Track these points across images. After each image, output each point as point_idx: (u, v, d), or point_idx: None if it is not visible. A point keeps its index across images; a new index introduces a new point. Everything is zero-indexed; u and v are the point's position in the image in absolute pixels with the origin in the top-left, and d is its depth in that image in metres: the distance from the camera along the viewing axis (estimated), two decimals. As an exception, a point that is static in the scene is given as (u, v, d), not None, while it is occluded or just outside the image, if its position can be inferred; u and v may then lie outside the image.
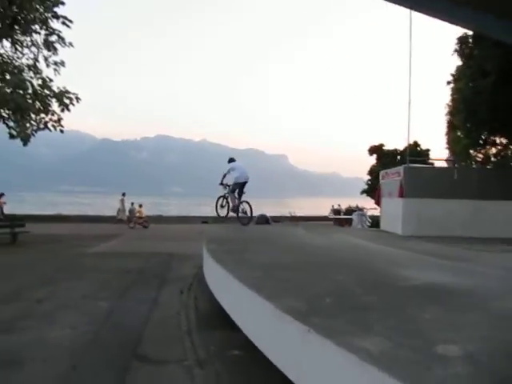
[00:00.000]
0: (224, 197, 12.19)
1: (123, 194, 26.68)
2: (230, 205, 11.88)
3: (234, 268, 4.88)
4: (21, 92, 13.88)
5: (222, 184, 12.10)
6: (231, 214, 12.00)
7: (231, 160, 12.28)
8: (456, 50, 16.84)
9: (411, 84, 13.00)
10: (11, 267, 10.42)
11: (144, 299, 7.37)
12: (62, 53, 18.23)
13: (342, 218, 20.59)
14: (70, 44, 17.61)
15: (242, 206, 11.79)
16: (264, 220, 13.91)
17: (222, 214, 12.21)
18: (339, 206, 35.33)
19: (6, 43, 16.39)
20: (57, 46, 17.12)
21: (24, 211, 25.46)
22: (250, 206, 11.80)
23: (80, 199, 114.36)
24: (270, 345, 3.40)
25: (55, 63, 17.07)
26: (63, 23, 16.28)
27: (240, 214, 11.76)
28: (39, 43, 16.69)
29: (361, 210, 20.75)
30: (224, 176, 12.00)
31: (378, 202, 17.44)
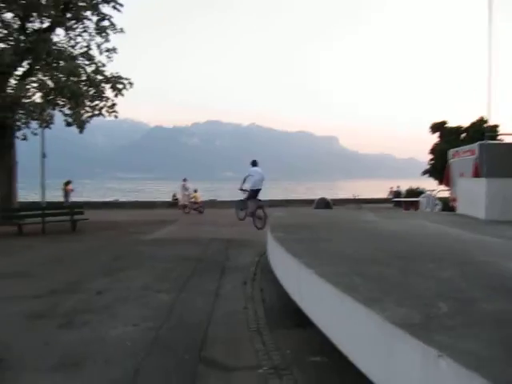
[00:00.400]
0: (243, 201, 13.38)
1: (184, 180, 26.41)
2: (249, 210, 13.06)
3: (311, 261, 4.24)
4: (75, 79, 13.81)
5: (241, 189, 13.33)
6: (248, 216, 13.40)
7: (253, 163, 13.26)
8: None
9: (481, 56, 11.66)
10: (72, 255, 10.33)
11: (205, 291, 6.91)
12: (114, 40, 18.02)
13: (408, 201, 19.37)
14: (122, 30, 17.39)
15: (257, 212, 12.86)
16: (324, 204, 13.13)
17: (240, 217, 13.61)
18: (398, 187, 33.80)
19: (60, 31, 16.40)
20: (108, 32, 16.97)
21: (82, 198, 26.01)
22: (265, 213, 12.97)
23: (134, 185, 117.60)
24: (371, 361, 2.74)
25: (107, 50, 16.90)
26: (114, 7, 16.02)
27: (256, 219, 13.03)
28: (91, 30, 16.55)
29: (430, 191, 19.37)
30: (244, 180, 13.08)
31: (446, 183, 16.20)
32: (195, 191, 23.34)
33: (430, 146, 30.24)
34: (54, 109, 15.25)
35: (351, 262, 4.38)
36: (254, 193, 12.93)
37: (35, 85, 14.67)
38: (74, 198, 23.72)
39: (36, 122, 15.29)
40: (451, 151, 16.10)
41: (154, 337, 4.92)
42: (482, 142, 13.61)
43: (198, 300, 6.44)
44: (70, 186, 23.83)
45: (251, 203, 12.80)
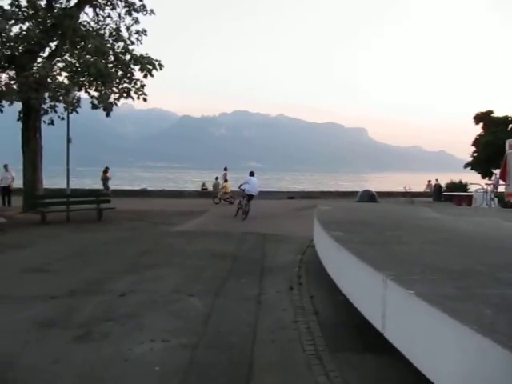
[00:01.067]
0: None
1: (225, 169, 25.51)
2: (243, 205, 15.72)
3: (398, 275, 3.16)
4: (102, 58, 12.92)
5: (240, 188, 16.48)
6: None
7: (251, 173, 16.57)
8: None
9: None
10: (95, 248, 9.48)
11: (245, 297, 5.91)
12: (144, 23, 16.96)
13: (461, 196, 17.87)
14: (152, 12, 16.44)
15: (248, 207, 15.51)
16: (368, 197, 11.92)
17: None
18: (437, 181, 32.08)
19: (89, 11, 15.57)
20: (138, 14, 16.07)
21: (111, 186, 25.41)
22: (249, 207, 15.64)
23: (163, 174, 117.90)
24: None
25: (137, 32, 16.00)
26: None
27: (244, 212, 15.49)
28: (120, 9, 15.66)
29: (485, 185, 17.79)
30: (242, 184, 16.33)
31: (503, 176, 14.74)
32: (225, 181, 22.38)
33: (462, 138, 28.41)
34: (80, 90, 14.44)
35: (453, 277, 3.28)
36: (248, 196, 15.80)
37: (61, 65, 13.90)
38: (98, 187, 23.27)
39: (62, 104, 14.54)
40: (509, 141, 14.61)
41: (189, 360, 3.94)
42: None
43: (238, 308, 5.45)
44: (109, 173, 23.44)
45: (244, 201, 15.72)
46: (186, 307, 5.45)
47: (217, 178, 27.13)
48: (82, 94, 15.39)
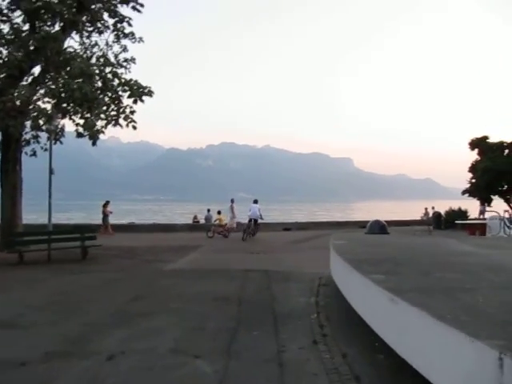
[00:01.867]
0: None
1: (232, 201, 24.50)
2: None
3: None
4: (88, 81, 11.94)
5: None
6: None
7: (254, 201, 20.73)
8: None
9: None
10: (79, 294, 8.22)
11: (263, 356, 4.80)
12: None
13: (476, 224, 17.00)
14: (141, 39, 15.67)
15: (252, 229, 19.62)
16: (379, 228, 10.94)
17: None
18: (433, 208, 31.43)
19: (75, 37, 14.73)
20: (127, 42, 15.29)
21: (97, 221, 24.23)
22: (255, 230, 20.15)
23: (150, 207, 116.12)
24: None
25: (125, 60, 15.15)
26: (133, 8, 14.29)
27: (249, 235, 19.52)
28: (108, 35, 14.85)
29: (501, 212, 17.01)
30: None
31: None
32: (219, 213, 21.30)
33: (447, 166, 28.03)
34: (63, 117, 13.40)
35: None
36: (249, 220, 19.72)
37: (43, 91, 12.88)
38: (82, 221, 22.27)
39: (45, 133, 13.47)
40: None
41: None
42: None
43: (258, 374, 4.35)
44: (109, 208, 22.47)
45: (249, 224, 19.57)
46: (192, 374, 4.32)
47: (209, 211, 26.10)
48: (67, 125, 14.43)
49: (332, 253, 7.16)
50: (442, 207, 29.48)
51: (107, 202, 22.90)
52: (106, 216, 22.31)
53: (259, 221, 20.11)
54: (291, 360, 4.71)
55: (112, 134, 15.34)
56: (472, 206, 27.40)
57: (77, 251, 12.67)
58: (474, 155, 28.08)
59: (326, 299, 7.45)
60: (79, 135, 13.06)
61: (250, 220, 19.49)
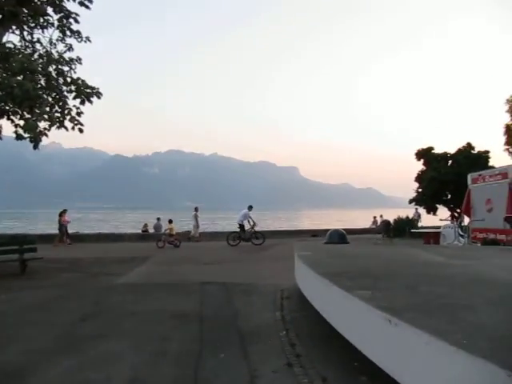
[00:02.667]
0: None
1: (196, 209, 23.86)
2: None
3: None
4: (29, 78, 10.89)
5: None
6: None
7: (248, 207, 20.92)
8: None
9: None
10: (18, 315, 7.31)
11: (236, 384, 4.28)
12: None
13: (430, 233, 17.16)
14: (87, 39, 14.74)
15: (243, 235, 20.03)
16: (338, 237, 10.70)
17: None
18: (381, 217, 32.05)
19: (15, 36, 13.58)
20: (72, 41, 14.29)
21: (38, 231, 22.72)
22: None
23: (95, 215, 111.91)
24: None
25: (71, 60, 14.14)
26: (81, 3, 13.37)
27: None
28: (53, 31, 13.82)
29: (451, 221, 17.40)
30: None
31: (467, 212, 14.21)
32: (170, 222, 20.44)
33: (388, 175, 28.83)
34: (1, 117, 12.21)
35: None
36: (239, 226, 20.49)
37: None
38: (20, 231, 20.83)
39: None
40: (471, 176, 14.22)
41: None
42: (517, 163, 11.76)
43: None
44: (66, 217, 21.02)
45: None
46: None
47: (158, 219, 25.17)
48: (5, 126, 13.22)
49: (300, 265, 6.75)
50: (386, 215, 30.21)
51: (64, 211, 21.53)
52: (62, 225, 20.96)
53: (251, 227, 20.73)
54: (266, 388, 4.23)
55: (53, 140, 14.22)
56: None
57: (14, 265, 11.54)
58: (419, 165, 28.91)
59: (291, 314, 7.03)
60: (19, 137, 11.89)
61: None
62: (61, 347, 5.43)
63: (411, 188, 28.99)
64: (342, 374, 4.45)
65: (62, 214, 21.22)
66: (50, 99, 12.45)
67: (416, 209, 27.99)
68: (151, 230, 26.09)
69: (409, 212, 27.67)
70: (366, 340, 3.71)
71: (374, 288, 4.22)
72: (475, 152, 26.64)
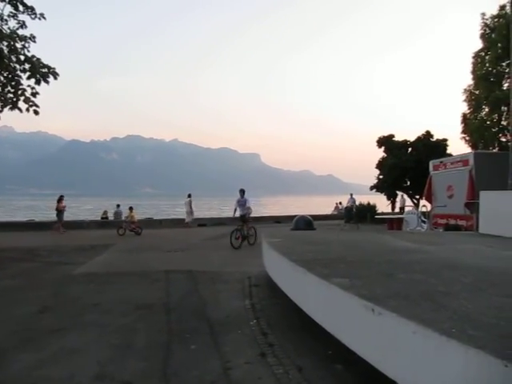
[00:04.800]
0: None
1: (189, 196, 23.31)
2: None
3: None
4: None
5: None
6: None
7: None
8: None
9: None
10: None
11: (208, 378, 4.10)
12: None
13: (393, 219, 17.36)
14: (42, 16, 13.87)
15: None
16: (304, 224, 10.66)
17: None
18: (341, 203, 32.50)
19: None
20: (25, 18, 13.41)
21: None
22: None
23: (50, 203, 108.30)
24: None
25: (23, 38, 13.29)
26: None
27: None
28: (3, 7, 12.93)
29: (412, 207, 17.73)
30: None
31: (428, 197, 14.49)
32: (131, 209, 19.87)
33: (347, 163, 29.21)
34: None
35: None
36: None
37: None
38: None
39: None
40: (432, 162, 14.49)
41: None
42: (477, 151, 12.07)
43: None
44: (63, 203, 19.92)
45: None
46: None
47: (118, 206, 24.50)
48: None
49: (270, 252, 6.61)
50: (346, 202, 30.59)
51: (61, 197, 20.41)
52: (60, 212, 19.98)
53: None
54: (241, 379, 4.07)
55: (4, 123, 13.34)
56: (375, 201, 28.73)
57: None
58: (380, 153, 29.36)
59: (261, 302, 6.91)
60: (-33, 120, 11.14)
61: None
62: (19, 342, 5.08)
63: (371, 175, 29.49)
64: (317, 363, 4.36)
65: (59, 201, 20.17)
66: (2, 78, 11.70)
67: (351, 194, 28.18)
68: (111, 218, 25.39)
69: (369, 198, 28.13)
70: (345, 329, 3.61)
71: (351, 276, 4.13)
72: (434, 140, 27.29)
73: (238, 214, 14.66)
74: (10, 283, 8.69)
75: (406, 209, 17.43)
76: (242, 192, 14.79)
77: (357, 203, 25.74)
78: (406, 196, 28.59)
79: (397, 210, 28.52)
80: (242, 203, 14.64)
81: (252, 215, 15.86)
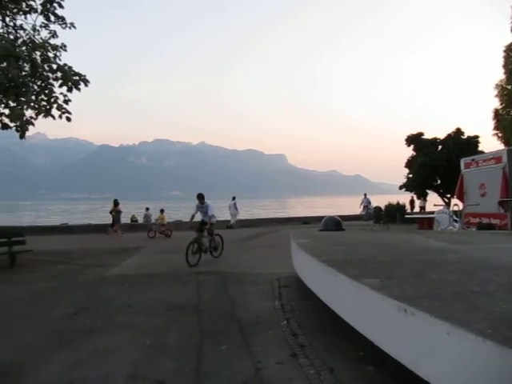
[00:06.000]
0: None
1: (233, 198, 23.83)
2: None
3: None
4: (14, 65, 10.46)
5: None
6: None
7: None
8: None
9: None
10: (8, 310, 7.07)
11: (240, 378, 4.13)
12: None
13: (424, 218, 17.09)
14: (72, 25, 14.23)
15: None
16: (334, 224, 10.57)
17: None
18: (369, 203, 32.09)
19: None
20: (56, 27, 13.79)
21: (24, 222, 22.31)
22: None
23: (82, 206, 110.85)
24: None
25: (55, 47, 13.67)
26: (64, -11, 12.89)
27: None
28: (36, 17, 13.32)
29: (443, 206, 17.42)
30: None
31: (460, 196, 14.19)
32: (161, 211, 20.17)
33: (375, 162, 28.82)
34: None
35: None
36: None
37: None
38: (11, 223, 20.39)
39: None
40: (464, 160, 14.18)
41: None
42: (510, 147, 11.76)
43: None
44: (119, 207, 20.50)
45: None
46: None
47: (148, 209, 24.87)
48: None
49: (299, 253, 6.60)
50: (375, 202, 30.23)
51: (117, 201, 20.90)
52: (117, 215, 20.73)
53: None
54: (273, 379, 4.09)
55: (38, 130, 13.65)
56: (404, 201, 28.25)
57: (3, 258, 11.25)
58: (409, 151, 28.92)
59: (291, 303, 6.90)
60: (4, 126, 11.46)
61: None
62: (54, 343, 5.23)
63: (400, 174, 29.08)
64: (349, 364, 4.34)
65: (116, 205, 20.66)
66: (36, 87, 12.07)
67: (365, 195, 27.88)
68: (140, 221, 25.81)
69: (398, 198, 27.73)
70: (377, 329, 3.57)
71: (382, 276, 4.09)
72: (465, 137, 26.70)
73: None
74: (46, 285, 8.93)
75: (437, 208, 17.06)
76: (201, 197, 12.04)
77: (385, 203, 25.42)
78: (438, 196, 28.09)
79: (416, 209, 28.10)
80: (204, 210, 12.11)
81: (280, 216, 15.73)
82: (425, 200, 28.69)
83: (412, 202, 28.63)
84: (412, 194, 28.96)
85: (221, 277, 9.39)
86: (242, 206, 20.28)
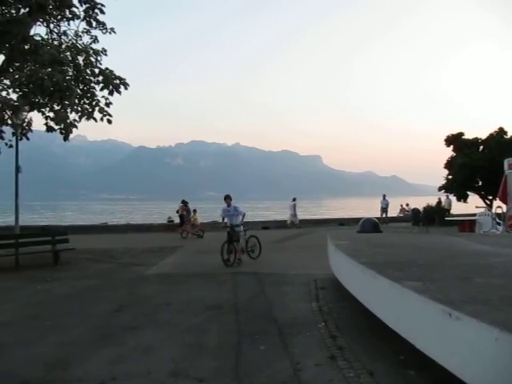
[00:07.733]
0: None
1: (294, 199, 24.22)
2: None
3: None
4: (59, 69, 10.90)
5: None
6: None
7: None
8: None
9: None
10: (54, 306, 7.34)
11: (279, 378, 4.13)
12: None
13: (465, 221, 16.60)
14: (112, 30, 14.63)
15: None
16: (371, 226, 10.42)
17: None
18: (407, 205, 31.49)
19: (43, 27, 13.58)
20: (97, 33, 14.24)
21: (66, 222, 23.09)
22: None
23: (121, 206, 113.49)
24: None
25: (96, 52, 14.11)
26: (106, -6, 13.29)
27: None
28: (78, 24, 13.79)
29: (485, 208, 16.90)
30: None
31: (503, 198, 13.70)
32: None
33: (412, 163, 28.00)
34: (31, 109, 12.25)
35: None
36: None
37: (8, 82, 11.73)
38: (54, 222, 21.10)
39: (10, 128, 12.30)
40: (508, 161, 13.69)
41: None
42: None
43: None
44: (187, 207, 20.79)
45: None
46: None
47: (186, 204, 25.19)
48: (34, 118, 13.28)
49: (338, 254, 6.56)
50: (413, 204, 29.59)
51: (185, 202, 21.16)
52: (188, 213, 20.73)
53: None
54: (312, 381, 4.07)
55: (78, 133, 14.10)
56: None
57: (47, 255, 11.69)
58: (448, 152, 28.08)
59: (328, 305, 6.86)
60: (49, 129, 11.94)
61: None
62: (98, 338, 5.41)
63: (438, 175, 28.28)
64: (389, 368, 4.27)
65: (186, 204, 21.01)
66: (79, 90, 12.50)
67: (447, 196, 27.33)
68: (177, 221, 26.13)
69: (436, 200, 27.02)
70: (420, 333, 3.51)
71: (425, 279, 4.02)
72: (508, 137, 25.71)
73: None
74: (88, 283, 9.23)
75: (479, 210, 16.49)
76: (229, 198, 11.72)
77: (424, 206, 24.81)
78: (451, 196, 27.31)
79: None
80: (231, 213, 11.72)
81: (316, 218, 15.63)
82: (450, 201, 27.77)
83: (439, 204, 27.83)
84: (445, 195, 28.10)
85: (257, 277, 9.43)
86: (278, 208, 20.15)
